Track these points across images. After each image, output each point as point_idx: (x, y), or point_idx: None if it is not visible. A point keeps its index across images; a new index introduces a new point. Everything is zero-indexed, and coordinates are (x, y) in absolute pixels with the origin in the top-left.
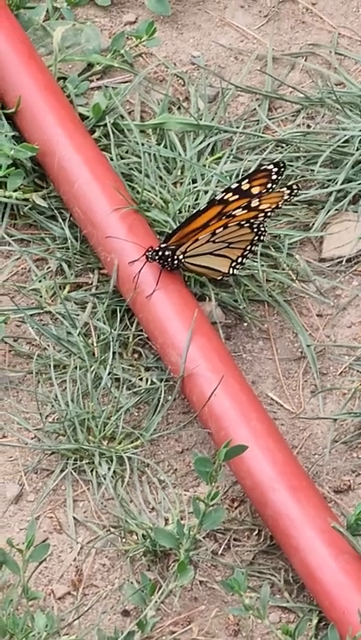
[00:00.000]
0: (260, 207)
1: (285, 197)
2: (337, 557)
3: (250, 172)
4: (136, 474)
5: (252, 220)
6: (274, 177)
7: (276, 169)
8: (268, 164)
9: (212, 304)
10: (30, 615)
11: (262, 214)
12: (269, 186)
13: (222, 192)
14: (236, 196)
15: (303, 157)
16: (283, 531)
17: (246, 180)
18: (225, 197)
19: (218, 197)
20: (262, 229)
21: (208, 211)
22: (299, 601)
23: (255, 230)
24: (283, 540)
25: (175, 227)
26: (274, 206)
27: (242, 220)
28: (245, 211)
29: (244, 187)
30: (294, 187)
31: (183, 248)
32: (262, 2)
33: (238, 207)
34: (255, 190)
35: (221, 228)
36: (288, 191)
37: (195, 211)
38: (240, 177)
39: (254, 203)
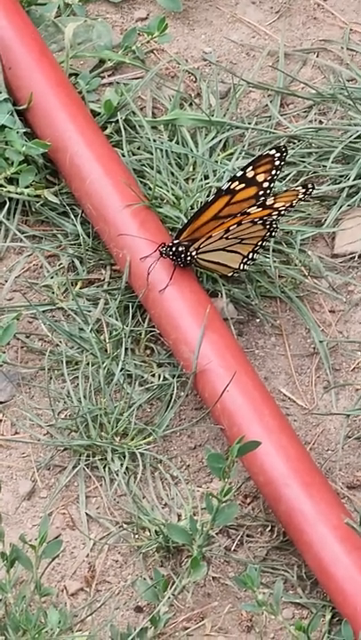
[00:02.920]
0: (275, 205)
1: (300, 196)
2: (350, 553)
3: (253, 158)
4: (149, 470)
5: (265, 218)
6: (277, 162)
7: (278, 154)
8: (271, 149)
9: (225, 300)
10: (43, 611)
11: (276, 212)
12: (273, 172)
13: (228, 181)
14: (243, 185)
15: (315, 153)
16: (296, 527)
17: (251, 168)
18: (231, 187)
19: (224, 187)
20: (275, 226)
21: (216, 202)
22: (312, 597)
23: (268, 227)
24: (296, 535)
25: (185, 222)
26: (288, 205)
27: (256, 218)
28: (260, 209)
29: (249, 174)
30: (309, 185)
31: (197, 244)
32: None
33: (248, 198)
34: (260, 177)
35: (235, 225)
36: (303, 190)
37: (203, 203)
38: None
39: (269, 201)
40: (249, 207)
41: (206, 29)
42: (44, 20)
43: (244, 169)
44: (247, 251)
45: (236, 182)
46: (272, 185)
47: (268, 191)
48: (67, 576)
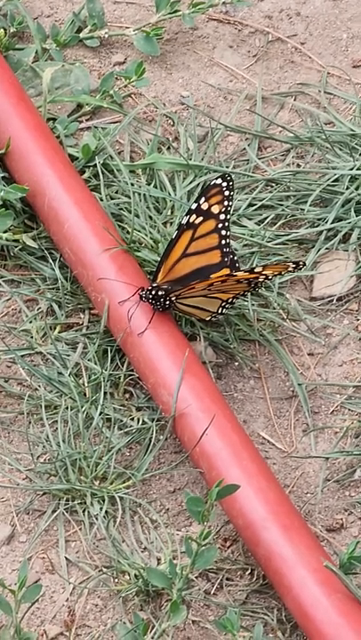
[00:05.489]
0: (264, 272)
1: (290, 269)
2: (330, 596)
3: (202, 188)
4: (128, 514)
5: (251, 279)
6: (226, 193)
7: (225, 183)
8: (216, 179)
9: (203, 344)
10: None
11: (263, 276)
12: (226, 203)
13: (185, 215)
14: (201, 218)
15: (293, 197)
16: (275, 570)
17: (203, 199)
18: (191, 221)
19: (184, 222)
20: (259, 286)
21: (181, 238)
22: None
23: (252, 286)
24: (275, 579)
25: (158, 263)
26: (277, 273)
27: (242, 279)
28: (248, 272)
29: (204, 206)
30: (301, 264)
31: (178, 292)
32: (251, 42)
33: (209, 231)
34: (215, 209)
35: (220, 282)
36: (294, 265)
37: (168, 241)
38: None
39: (258, 268)
40: (206, 234)
41: (184, 73)
42: (21, 65)
43: (197, 200)
44: (227, 297)
45: (194, 215)
46: (228, 217)
47: (226, 223)
48: (46, 620)
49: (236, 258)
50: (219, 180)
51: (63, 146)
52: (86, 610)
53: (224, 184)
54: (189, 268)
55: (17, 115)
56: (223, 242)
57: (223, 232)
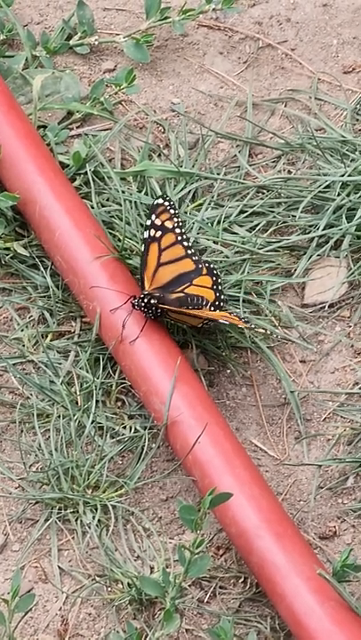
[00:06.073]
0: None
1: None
2: (323, 604)
3: (150, 206)
4: (121, 522)
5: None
6: (172, 211)
7: (165, 203)
8: (157, 198)
9: (195, 351)
10: None
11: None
12: (175, 221)
13: (145, 230)
14: (160, 232)
15: (284, 203)
16: (268, 578)
17: (154, 216)
18: (152, 235)
19: (146, 237)
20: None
21: (149, 251)
22: None
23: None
24: (268, 587)
25: (139, 273)
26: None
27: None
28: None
29: (157, 222)
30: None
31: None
32: (241, 48)
33: (173, 243)
34: (168, 224)
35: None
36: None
37: (142, 255)
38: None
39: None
40: (169, 246)
41: (174, 80)
42: (11, 73)
43: (148, 217)
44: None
45: (153, 230)
46: (183, 230)
47: (184, 236)
48: (40, 630)
49: (211, 265)
50: (160, 200)
51: (54, 153)
52: (80, 619)
53: (166, 203)
54: (170, 274)
55: (7, 122)
56: (189, 252)
57: (185, 243)
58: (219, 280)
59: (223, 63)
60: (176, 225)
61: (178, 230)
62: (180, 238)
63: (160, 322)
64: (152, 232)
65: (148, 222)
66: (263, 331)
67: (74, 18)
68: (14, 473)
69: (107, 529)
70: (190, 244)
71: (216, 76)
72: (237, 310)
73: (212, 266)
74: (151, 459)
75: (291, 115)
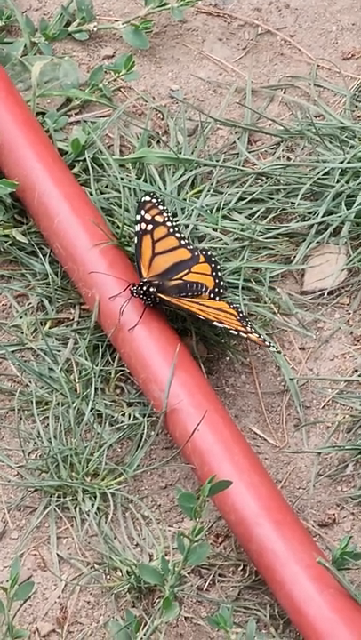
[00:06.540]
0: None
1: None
2: (323, 592)
3: (138, 203)
4: (120, 510)
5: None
6: (160, 207)
7: (153, 199)
8: (144, 195)
9: (194, 339)
10: None
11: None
12: (164, 215)
13: (136, 224)
14: (151, 226)
15: (283, 190)
16: (268, 565)
17: (143, 211)
18: (143, 228)
19: (138, 230)
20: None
21: (143, 242)
22: (285, 636)
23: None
24: (268, 574)
25: (135, 261)
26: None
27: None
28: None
29: (147, 217)
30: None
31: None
32: (240, 34)
33: (165, 235)
34: (159, 218)
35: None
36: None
37: (135, 245)
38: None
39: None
40: (162, 238)
41: (173, 67)
42: (10, 59)
43: (137, 213)
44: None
45: (144, 224)
46: (174, 223)
47: (176, 228)
48: (38, 618)
49: (209, 252)
50: (147, 198)
51: (52, 140)
52: (78, 607)
53: (153, 200)
54: (166, 263)
55: (6, 109)
56: (183, 242)
57: (178, 235)
58: (218, 267)
59: (222, 49)
60: (166, 219)
61: (169, 224)
62: (171, 231)
63: (159, 309)
64: (143, 225)
65: (138, 217)
66: (257, 337)
67: (73, 4)
68: (13, 460)
69: (106, 517)
70: (183, 235)
71: (215, 62)
72: (237, 297)
73: (209, 253)
74: (150, 446)
75: (290, 101)
